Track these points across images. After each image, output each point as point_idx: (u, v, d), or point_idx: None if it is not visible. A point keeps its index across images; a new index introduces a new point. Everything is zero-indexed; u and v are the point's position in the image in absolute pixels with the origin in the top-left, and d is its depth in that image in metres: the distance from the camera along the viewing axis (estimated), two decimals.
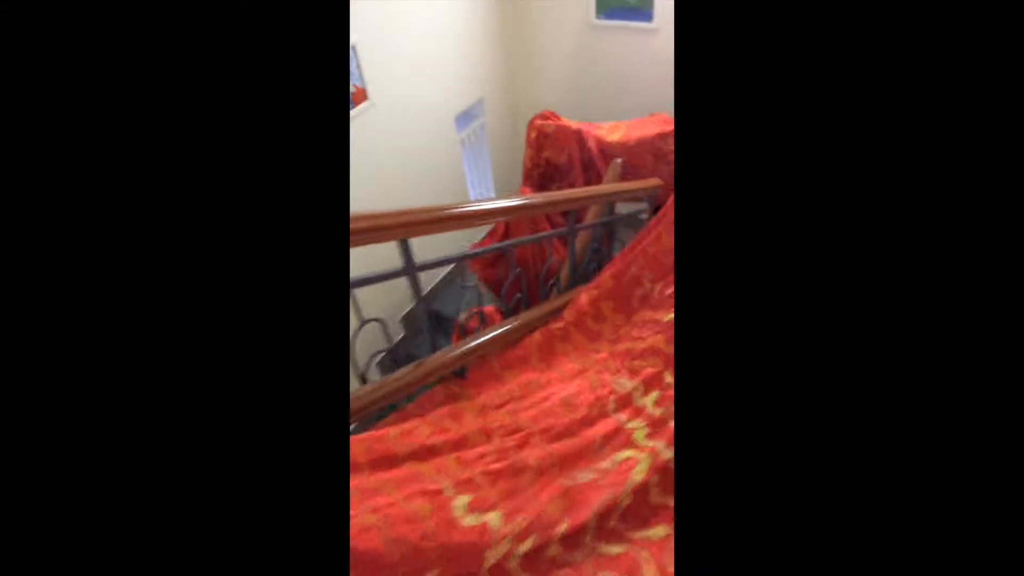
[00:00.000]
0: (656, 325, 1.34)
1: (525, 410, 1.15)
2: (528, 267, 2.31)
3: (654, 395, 1.12)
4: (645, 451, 0.99)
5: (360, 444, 1.00)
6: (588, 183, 2.62)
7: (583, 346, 1.43)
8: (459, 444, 1.05)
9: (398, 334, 3.17)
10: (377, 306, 2.56)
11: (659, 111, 3.01)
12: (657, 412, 1.07)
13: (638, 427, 1.05)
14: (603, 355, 1.34)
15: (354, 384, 1.25)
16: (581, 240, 2.13)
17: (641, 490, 0.92)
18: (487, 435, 1.08)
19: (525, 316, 1.65)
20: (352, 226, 1.02)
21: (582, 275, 2.11)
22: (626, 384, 1.16)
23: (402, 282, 1.24)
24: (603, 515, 0.89)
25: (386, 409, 1.26)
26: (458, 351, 1.36)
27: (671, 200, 1.54)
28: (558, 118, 2.64)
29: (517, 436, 1.06)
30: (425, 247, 1.20)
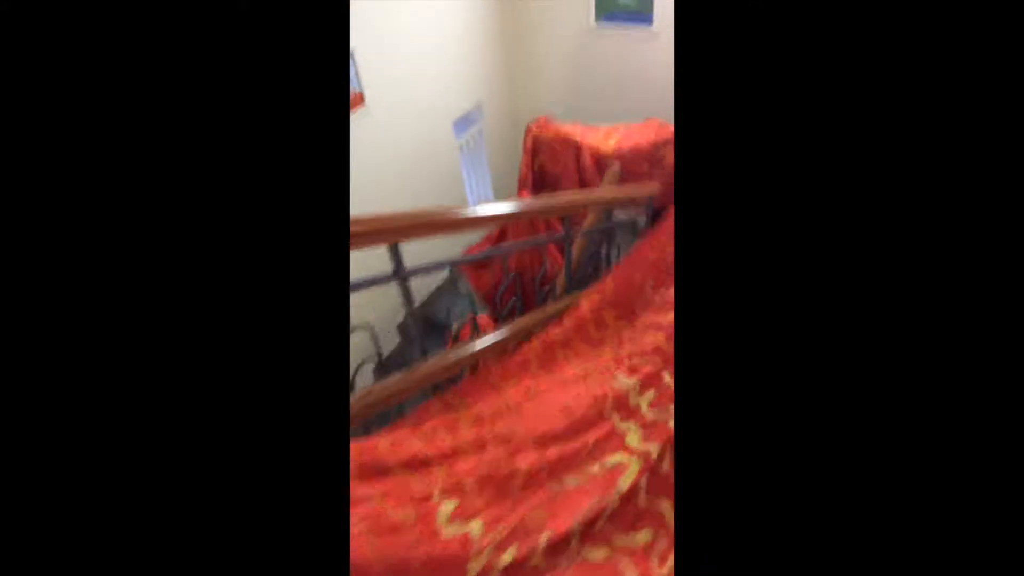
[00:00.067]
0: (658, 328, 1.33)
1: (522, 419, 1.13)
2: (524, 273, 2.29)
3: (650, 395, 1.11)
4: (636, 455, 0.98)
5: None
6: None
7: (585, 353, 1.42)
8: (451, 455, 1.03)
9: (394, 341, 3.15)
10: (372, 312, 2.54)
11: (657, 115, 2.99)
12: (651, 415, 1.06)
13: (631, 429, 1.04)
14: (605, 359, 1.32)
15: None
16: (578, 245, 2.11)
17: (629, 495, 0.91)
18: (480, 446, 1.06)
19: (520, 322, 1.62)
20: None
21: (578, 280, 2.09)
22: (624, 381, 1.14)
23: (397, 288, 1.22)
24: (589, 520, 0.88)
25: (374, 420, 1.23)
26: (449, 360, 1.34)
27: (672, 206, 1.52)
28: (555, 125, 2.62)
29: (511, 445, 1.04)
30: (424, 253, 1.18)
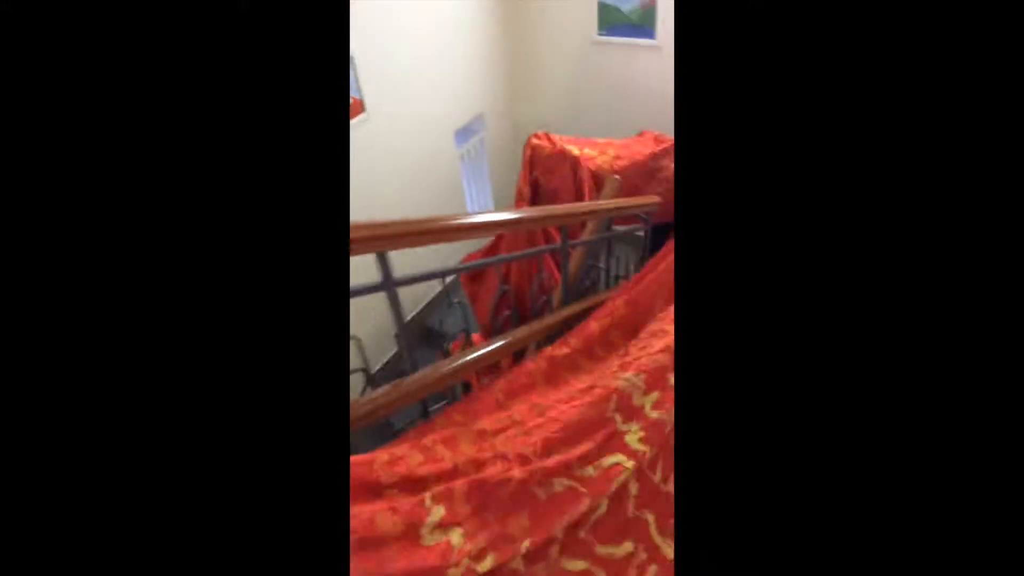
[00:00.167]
0: (664, 333, 1.31)
1: (524, 436, 1.11)
2: (522, 287, 2.26)
3: (654, 396, 1.09)
4: (634, 457, 0.96)
5: None
6: None
7: (591, 368, 1.40)
8: (448, 475, 1.01)
9: (390, 350, 3.11)
10: (371, 319, 2.51)
11: (656, 129, 2.98)
12: (654, 415, 1.04)
13: (632, 430, 1.02)
14: (611, 365, 1.30)
15: None
16: (575, 257, 2.07)
17: (619, 501, 0.90)
18: (479, 466, 1.04)
19: (515, 333, 1.59)
20: None
21: (576, 293, 2.05)
22: (630, 379, 1.12)
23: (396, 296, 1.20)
24: (574, 525, 0.87)
25: (368, 432, 1.20)
26: (439, 372, 1.31)
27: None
28: (554, 139, 2.59)
29: (509, 460, 1.02)
30: (422, 261, 1.15)
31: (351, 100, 2.58)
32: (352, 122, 2.60)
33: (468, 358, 1.38)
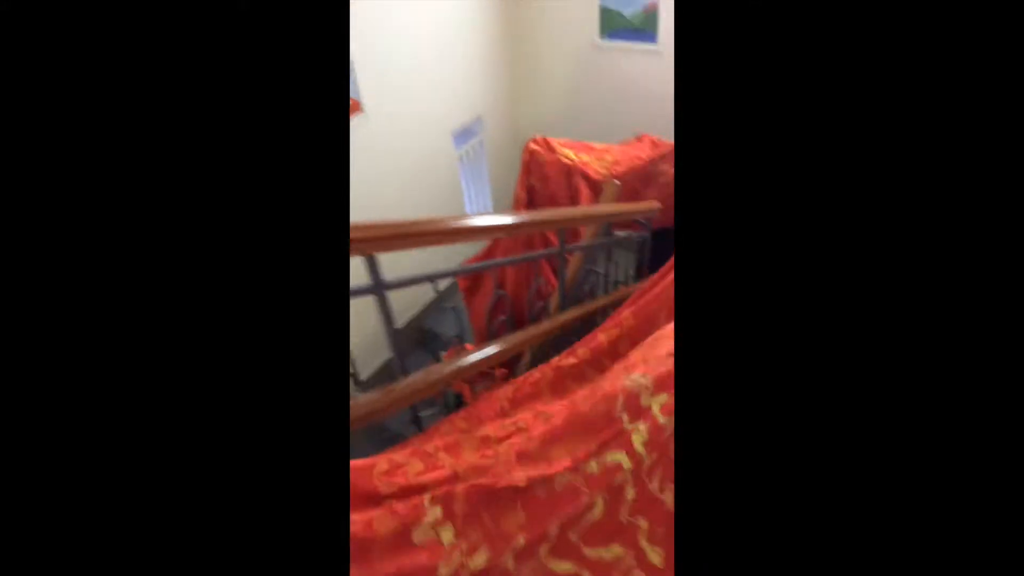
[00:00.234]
0: (670, 337, 1.30)
1: (531, 440, 1.10)
2: (520, 294, 2.22)
3: (663, 397, 1.06)
4: (634, 460, 0.95)
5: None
6: None
7: (597, 379, 1.39)
8: (449, 481, 1.01)
9: (387, 354, 3.08)
10: (366, 324, 2.48)
11: (657, 133, 2.96)
12: (661, 419, 1.01)
13: (638, 430, 1.01)
14: (619, 370, 1.28)
15: None
16: (573, 262, 2.04)
17: (615, 503, 0.89)
18: (481, 472, 1.03)
19: (509, 339, 1.56)
20: None
21: (573, 298, 2.02)
22: (638, 380, 1.09)
23: (393, 297, 1.17)
24: (567, 526, 0.87)
25: (365, 435, 1.17)
26: (431, 377, 1.28)
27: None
28: (552, 146, 2.57)
29: (513, 463, 1.01)
30: (425, 264, 1.12)
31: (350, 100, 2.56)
32: (350, 122, 2.58)
33: (460, 364, 1.36)
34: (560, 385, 1.36)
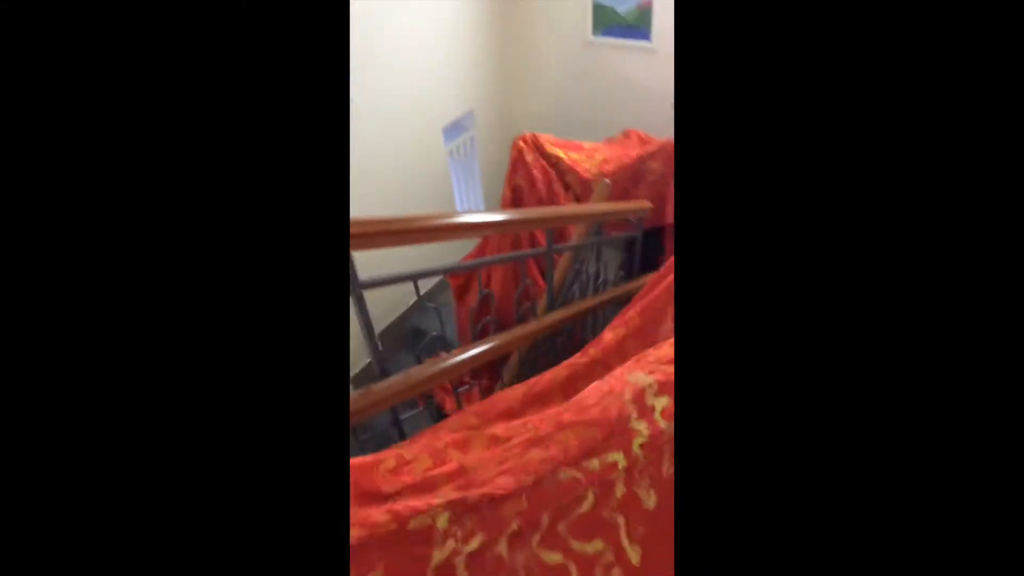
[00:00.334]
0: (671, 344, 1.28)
1: (537, 442, 1.09)
2: (507, 297, 2.17)
3: (664, 401, 1.07)
4: (629, 460, 0.96)
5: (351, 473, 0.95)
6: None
7: (607, 376, 1.37)
8: (455, 475, 1.00)
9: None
10: (352, 323, 2.43)
11: (651, 130, 2.92)
12: (661, 424, 1.03)
13: (640, 430, 1.01)
14: (623, 369, 1.27)
15: None
16: (562, 263, 2.00)
17: (604, 498, 0.91)
18: (487, 472, 1.02)
19: (492, 340, 1.52)
20: None
21: (562, 299, 1.98)
22: (642, 378, 1.10)
23: (379, 296, 1.13)
24: (557, 515, 0.88)
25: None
26: (411, 379, 1.24)
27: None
28: (540, 144, 2.52)
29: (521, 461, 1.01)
30: (420, 261, 1.08)
31: None
32: None
33: (442, 366, 1.32)
34: (571, 387, 1.36)
